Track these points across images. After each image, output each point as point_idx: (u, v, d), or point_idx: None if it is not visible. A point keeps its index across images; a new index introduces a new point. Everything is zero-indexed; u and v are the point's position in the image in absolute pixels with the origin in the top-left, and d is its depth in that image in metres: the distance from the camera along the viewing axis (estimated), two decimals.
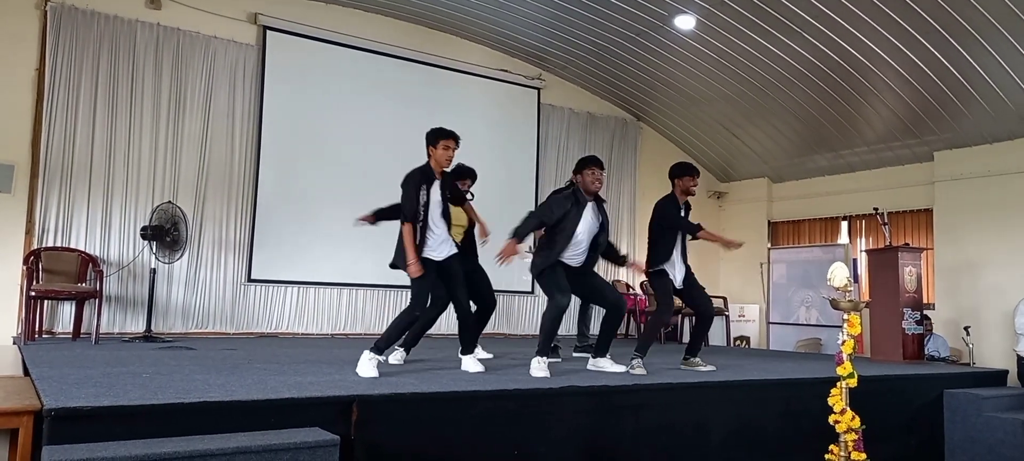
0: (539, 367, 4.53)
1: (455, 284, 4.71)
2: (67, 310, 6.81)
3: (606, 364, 4.98)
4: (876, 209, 7.82)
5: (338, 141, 8.32)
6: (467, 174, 5.61)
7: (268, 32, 8.04)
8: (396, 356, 5.06)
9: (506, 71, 9.59)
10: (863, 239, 10.04)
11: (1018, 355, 7.43)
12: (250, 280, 7.80)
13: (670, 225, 5.45)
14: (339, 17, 8.48)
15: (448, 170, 4.88)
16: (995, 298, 8.23)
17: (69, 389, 3.21)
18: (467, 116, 9.09)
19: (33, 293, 6.19)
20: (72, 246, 6.89)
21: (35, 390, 3.32)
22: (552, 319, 4.71)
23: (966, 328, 7.99)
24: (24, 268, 6.41)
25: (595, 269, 5.08)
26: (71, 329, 6.65)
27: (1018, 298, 7.62)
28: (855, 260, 9.52)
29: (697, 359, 5.43)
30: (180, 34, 7.53)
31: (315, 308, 8.13)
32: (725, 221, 11.56)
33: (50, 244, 6.81)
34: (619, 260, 5.36)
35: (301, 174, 8.10)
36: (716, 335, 9.41)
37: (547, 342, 4.72)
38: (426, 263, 4.51)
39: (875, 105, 8.67)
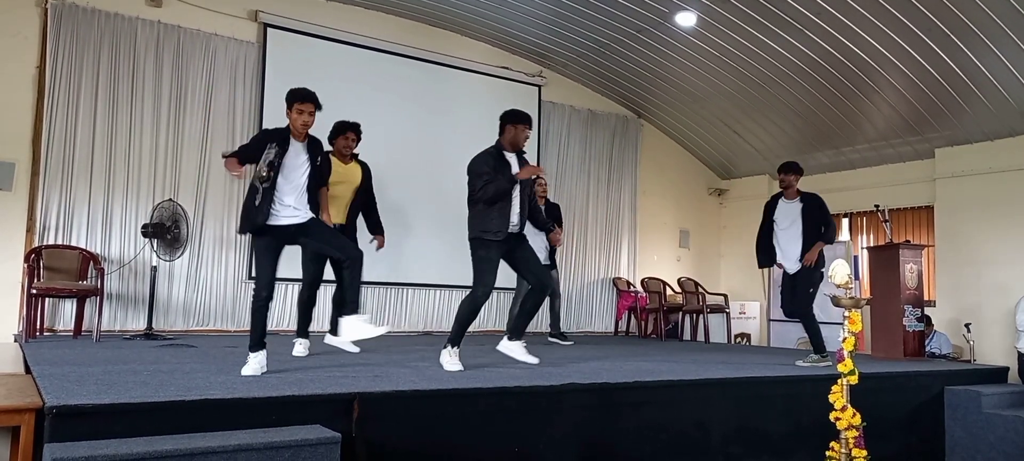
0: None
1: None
2: (68, 308, 6.82)
3: (517, 351, 4.72)
4: (877, 206, 7.82)
5: None
6: (350, 128, 5.46)
7: (269, 29, 8.04)
8: (298, 349, 5.10)
9: (507, 68, 9.58)
10: (864, 236, 10.05)
11: (1019, 352, 7.44)
12: (251, 278, 7.79)
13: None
14: (340, 14, 8.48)
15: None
16: (996, 295, 8.23)
17: (71, 387, 3.22)
18: (468, 113, 9.09)
19: (34, 291, 6.19)
20: (73, 244, 6.89)
21: (37, 388, 3.32)
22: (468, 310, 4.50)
23: (967, 325, 7.99)
24: (25, 266, 6.40)
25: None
26: (72, 327, 6.65)
27: (1019, 295, 7.62)
28: (856, 257, 9.52)
29: (815, 355, 5.71)
30: (181, 32, 7.53)
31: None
32: (726, 218, 11.57)
33: (51, 242, 6.81)
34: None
35: None
36: (717, 332, 9.42)
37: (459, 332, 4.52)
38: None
39: (876, 102, 8.66)
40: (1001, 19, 6.66)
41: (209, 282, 7.59)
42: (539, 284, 4.68)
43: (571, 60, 9.67)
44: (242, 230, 4.37)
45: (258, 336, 4.20)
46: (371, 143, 8.45)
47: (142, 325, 6.88)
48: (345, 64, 8.46)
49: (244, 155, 4.28)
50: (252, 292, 4.30)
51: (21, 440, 2.96)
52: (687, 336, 9.53)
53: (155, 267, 6.84)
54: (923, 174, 9.23)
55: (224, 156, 4.45)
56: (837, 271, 3.75)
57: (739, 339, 10.18)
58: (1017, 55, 7.06)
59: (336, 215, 5.21)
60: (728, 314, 9.52)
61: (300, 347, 5.13)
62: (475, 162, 4.62)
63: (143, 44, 7.35)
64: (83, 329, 6.58)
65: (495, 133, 4.80)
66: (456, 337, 4.53)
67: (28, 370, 4.23)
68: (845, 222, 10.26)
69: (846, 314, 3.75)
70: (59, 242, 6.84)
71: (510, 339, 4.78)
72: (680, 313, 9.56)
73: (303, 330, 5.26)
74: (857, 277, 8.84)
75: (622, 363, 5.38)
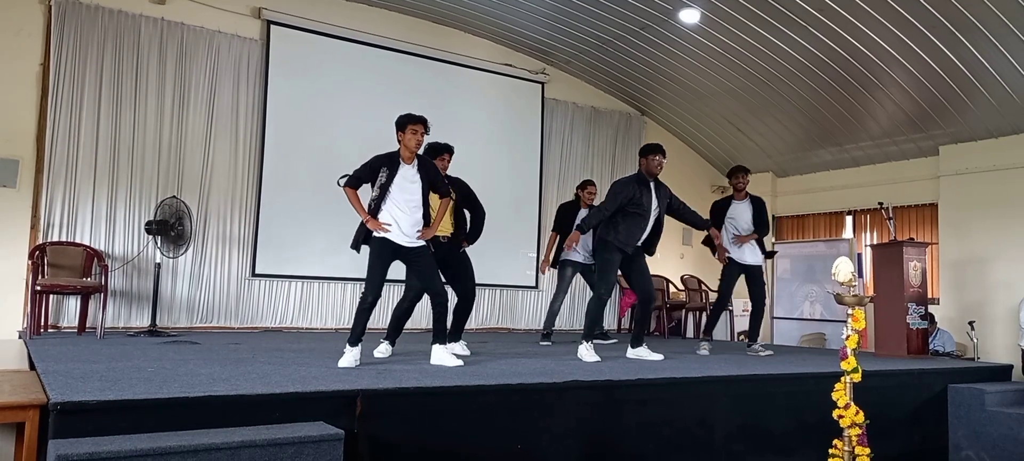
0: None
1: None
2: (72, 304, 6.84)
3: (645, 353, 5.46)
4: (881, 204, 7.80)
5: (342, 136, 8.31)
6: (444, 149, 5.60)
7: (272, 27, 8.04)
8: (381, 349, 5.10)
9: (510, 66, 9.58)
10: (868, 234, 10.03)
11: (1023, 350, 7.42)
12: (254, 275, 7.82)
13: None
14: (343, 11, 8.48)
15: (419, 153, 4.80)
16: (1000, 293, 8.21)
17: (75, 383, 3.23)
18: (471, 111, 9.09)
19: (38, 287, 6.21)
20: (77, 241, 6.91)
21: (41, 384, 3.33)
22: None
23: (971, 323, 7.96)
24: (29, 262, 6.43)
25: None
26: (76, 323, 6.68)
27: (1023, 293, 7.60)
28: (859, 255, 9.50)
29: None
30: (184, 29, 7.54)
31: (319, 302, 8.14)
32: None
33: (55, 239, 6.83)
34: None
35: (305, 169, 8.10)
36: (720, 330, 9.40)
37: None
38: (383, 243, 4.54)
39: (880, 99, 8.64)
40: (1006, 15, 6.64)
41: (213, 279, 7.59)
42: (645, 296, 5.56)
43: (574, 57, 9.66)
44: (353, 245, 4.67)
45: (357, 334, 4.51)
46: (373, 141, 8.48)
47: (146, 322, 6.89)
48: (348, 61, 8.46)
49: (357, 179, 4.56)
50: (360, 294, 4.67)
51: (26, 436, 2.97)
52: (690, 333, 9.53)
53: (159, 264, 6.86)
54: (927, 171, 9.21)
55: (340, 183, 4.72)
56: (840, 269, 3.75)
57: (742, 337, 10.17)
58: (1021, 52, 7.04)
59: (443, 228, 5.31)
60: (731, 312, 9.50)
61: (383, 347, 5.12)
62: (618, 183, 5.61)
63: (146, 41, 7.36)
64: (87, 326, 6.61)
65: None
66: (589, 333, 5.34)
67: (32, 367, 4.24)
68: (849, 220, 10.24)
69: (850, 312, 3.74)
70: (63, 239, 6.86)
71: (634, 346, 5.55)
72: (683, 311, 9.56)
73: (391, 336, 5.23)
74: (860, 275, 8.82)
75: (625, 360, 5.38)
